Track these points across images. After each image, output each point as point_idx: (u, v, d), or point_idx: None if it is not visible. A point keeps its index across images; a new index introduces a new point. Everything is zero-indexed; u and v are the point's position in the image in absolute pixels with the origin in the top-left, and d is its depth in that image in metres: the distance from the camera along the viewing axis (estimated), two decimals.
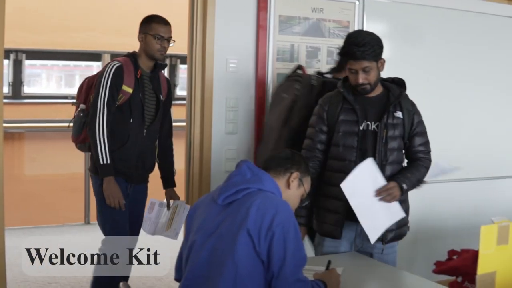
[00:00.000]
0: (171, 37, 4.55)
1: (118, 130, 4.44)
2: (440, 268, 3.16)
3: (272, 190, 2.94)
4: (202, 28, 4.95)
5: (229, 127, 5.09)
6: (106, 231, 4.59)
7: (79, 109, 4.64)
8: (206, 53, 4.93)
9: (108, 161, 4.36)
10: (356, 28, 5.40)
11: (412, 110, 3.96)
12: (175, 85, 11.09)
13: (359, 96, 3.91)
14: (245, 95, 5.09)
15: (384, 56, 3.90)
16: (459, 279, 2.96)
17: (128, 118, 4.47)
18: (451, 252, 3.22)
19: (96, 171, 4.47)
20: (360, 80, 3.79)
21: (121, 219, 4.50)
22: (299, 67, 4.83)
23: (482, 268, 2.32)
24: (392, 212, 3.81)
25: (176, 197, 4.81)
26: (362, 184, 3.76)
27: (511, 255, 2.37)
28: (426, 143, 4.03)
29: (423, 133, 4.02)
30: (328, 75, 4.72)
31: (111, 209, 4.44)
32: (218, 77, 5.02)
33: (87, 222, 8.37)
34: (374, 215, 3.79)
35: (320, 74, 4.76)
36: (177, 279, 3.04)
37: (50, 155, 9.59)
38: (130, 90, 4.45)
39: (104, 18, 10.18)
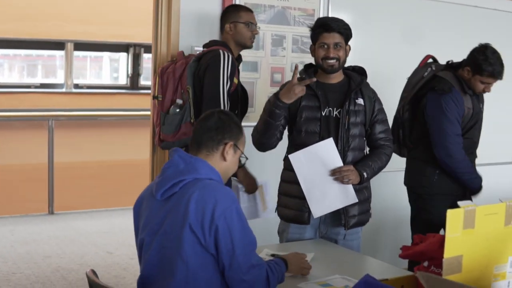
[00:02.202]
0: (257, 24, 4.55)
1: None
2: (407, 252, 3.17)
3: (208, 176, 2.83)
4: (167, 15, 4.90)
5: None
6: None
7: (175, 104, 4.39)
8: (171, 41, 4.88)
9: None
10: (321, 16, 5.40)
11: (373, 98, 4.03)
12: (139, 74, 11.05)
13: (320, 82, 3.96)
14: None
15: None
16: (425, 264, 2.97)
17: (234, 110, 4.32)
18: (417, 237, 3.23)
19: None
20: (331, 54, 3.84)
21: None
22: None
23: (449, 252, 2.34)
24: (345, 196, 3.88)
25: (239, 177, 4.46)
26: (316, 161, 3.85)
27: (477, 239, 2.40)
28: (387, 130, 4.09)
29: (384, 120, 4.08)
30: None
31: None
32: None
33: (51, 212, 8.30)
34: (324, 193, 3.87)
35: (450, 65, 4.72)
36: None
37: (13, 145, 9.53)
38: (236, 81, 4.37)
39: (67, 7, 10.11)
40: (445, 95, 4.46)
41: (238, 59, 4.52)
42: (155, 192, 2.84)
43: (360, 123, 3.96)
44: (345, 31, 3.88)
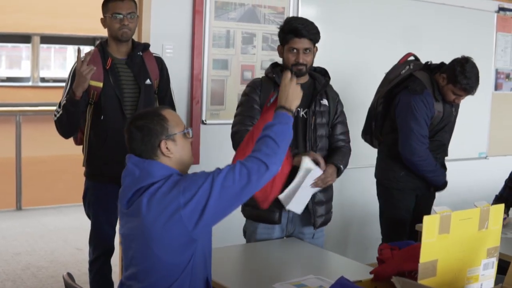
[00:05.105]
0: (133, 12, 4.19)
1: (96, 130, 4.18)
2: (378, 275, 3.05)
3: (163, 175, 2.75)
4: (138, 13, 4.88)
5: None
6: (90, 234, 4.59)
7: None
8: (142, 38, 4.87)
9: (65, 101, 4.11)
10: (291, 14, 5.44)
11: (336, 99, 4.11)
12: None
13: None
14: (181, 80, 5.07)
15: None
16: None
17: (100, 115, 4.16)
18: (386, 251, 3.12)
19: (89, 176, 4.32)
20: (301, 60, 3.86)
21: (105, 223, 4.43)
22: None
23: (424, 256, 2.38)
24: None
25: None
26: (300, 187, 3.81)
27: (452, 244, 2.44)
28: (347, 132, 4.16)
29: (345, 122, 4.14)
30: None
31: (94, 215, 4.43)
32: None
33: (19, 207, 8.24)
34: (299, 197, 3.86)
35: (428, 66, 4.78)
36: None
37: None
38: (100, 84, 4.12)
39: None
40: (416, 96, 4.53)
41: (132, 55, 4.27)
42: (119, 202, 2.85)
43: (326, 123, 4.03)
44: (314, 36, 3.90)
